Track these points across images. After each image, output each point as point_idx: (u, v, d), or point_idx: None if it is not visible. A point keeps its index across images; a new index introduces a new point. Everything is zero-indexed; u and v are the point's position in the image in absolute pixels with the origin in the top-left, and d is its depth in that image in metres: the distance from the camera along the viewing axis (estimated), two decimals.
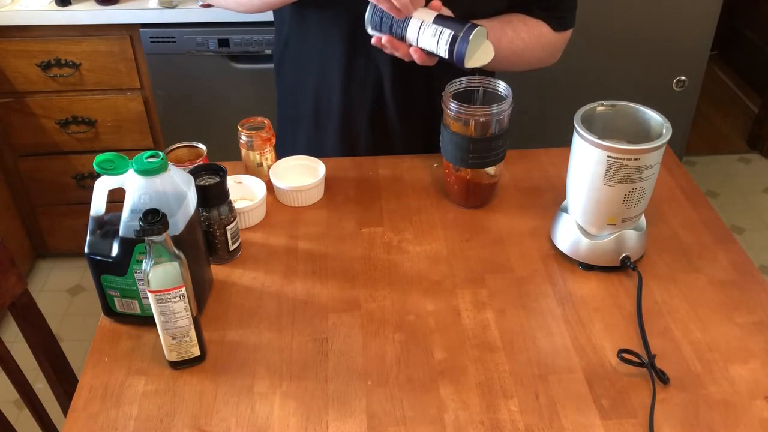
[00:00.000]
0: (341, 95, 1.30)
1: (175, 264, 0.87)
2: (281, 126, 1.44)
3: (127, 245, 0.94)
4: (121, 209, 0.93)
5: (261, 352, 0.97)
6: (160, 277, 0.87)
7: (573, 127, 1.03)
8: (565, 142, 1.13)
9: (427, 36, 1.04)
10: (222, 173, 1.07)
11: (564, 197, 1.13)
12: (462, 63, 1.03)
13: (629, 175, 1.00)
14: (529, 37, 1.24)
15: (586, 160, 1.02)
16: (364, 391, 0.92)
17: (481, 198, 1.23)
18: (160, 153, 0.93)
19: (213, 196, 1.05)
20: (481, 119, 1.12)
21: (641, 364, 0.93)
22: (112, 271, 0.97)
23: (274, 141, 1.24)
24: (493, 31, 1.18)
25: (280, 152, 1.30)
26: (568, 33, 1.31)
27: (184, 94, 2.14)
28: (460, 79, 1.17)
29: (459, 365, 0.95)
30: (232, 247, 1.10)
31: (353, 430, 0.87)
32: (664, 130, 1.01)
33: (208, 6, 1.99)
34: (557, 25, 1.27)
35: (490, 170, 1.19)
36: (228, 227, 1.08)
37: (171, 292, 0.88)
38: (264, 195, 1.19)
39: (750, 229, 2.70)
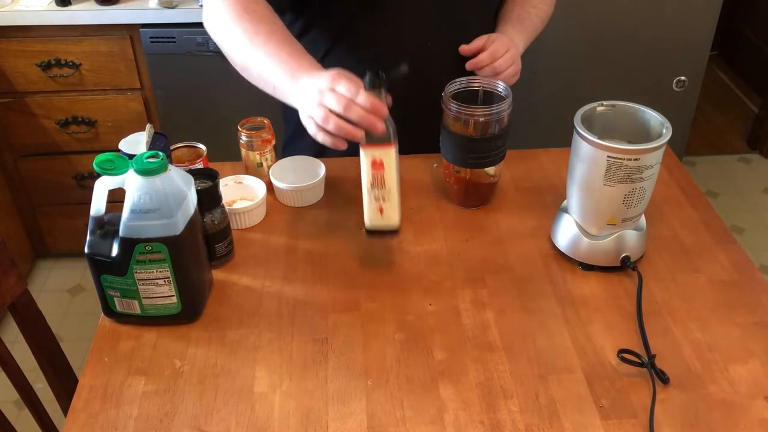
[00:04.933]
0: None
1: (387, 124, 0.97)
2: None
3: (127, 245, 0.94)
4: (121, 209, 0.93)
5: (261, 352, 0.97)
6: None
7: (573, 127, 1.03)
8: (565, 142, 1.13)
9: None
10: (215, 177, 1.06)
11: (564, 197, 1.13)
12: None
13: (629, 175, 1.00)
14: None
15: (586, 160, 1.02)
16: (364, 391, 0.92)
17: (481, 198, 1.23)
18: (160, 153, 0.93)
19: (205, 200, 1.04)
20: (480, 119, 1.12)
21: (641, 364, 0.93)
22: (112, 271, 0.97)
23: (274, 141, 1.24)
24: (521, 20, 1.31)
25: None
26: None
27: (184, 94, 2.14)
28: (459, 79, 1.17)
29: (459, 365, 0.95)
30: (224, 251, 1.10)
31: (353, 430, 0.87)
32: (664, 130, 1.01)
33: None
34: None
35: (490, 170, 1.19)
36: (221, 231, 1.08)
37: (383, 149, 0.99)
38: (264, 195, 1.19)
39: (750, 229, 2.70)
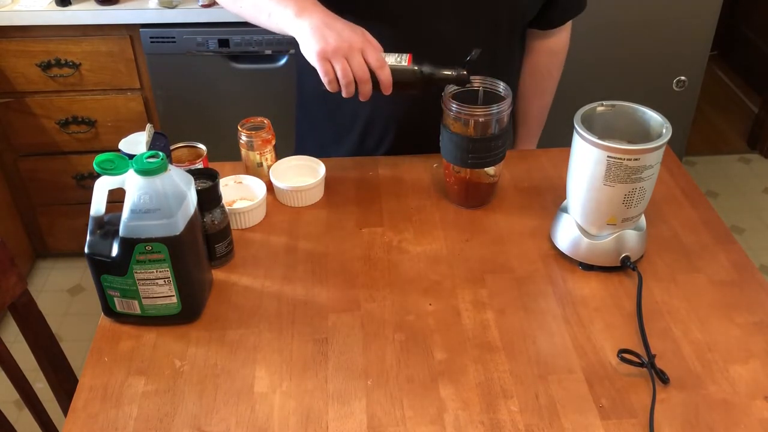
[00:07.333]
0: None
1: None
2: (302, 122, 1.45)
3: (127, 245, 0.94)
4: (121, 209, 0.93)
5: (261, 352, 0.97)
6: None
7: (573, 127, 1.03)
8: (565, 142, 1.13)
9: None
10: (215, 177, 1.06)
11: (564, 197, 1.13)
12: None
13: (629, 175, 1.00)
14: (558, 69, 1.47)
15: (586, 160, 1.02)
16: (364, 391, 0.92)
17: (481, 198, 1.23)
18: (160, 153, 0.93)
19: (205, 200, 1.04)
20: (480, 119, 1.12)
21: (641, 364, 0.93)
22: (112, 271, 0.97)
23: (274, 141, 1.24)
24: (540, 124, 1.45)
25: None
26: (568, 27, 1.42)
27: (184, 94, 2.14)
28: None
29: (459, 365, 0.95)
30: (224, 251, 1.10)
31: (353, 430, 0.87)
32: (664, 130, 1.01)
33: (208, 6, 1.99)
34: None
35: (490, 170, 1.19)
36: (221, 231, 1.08)
37: None
38: (264, 195, 1.19)
39: (750, 229, 2.70)
